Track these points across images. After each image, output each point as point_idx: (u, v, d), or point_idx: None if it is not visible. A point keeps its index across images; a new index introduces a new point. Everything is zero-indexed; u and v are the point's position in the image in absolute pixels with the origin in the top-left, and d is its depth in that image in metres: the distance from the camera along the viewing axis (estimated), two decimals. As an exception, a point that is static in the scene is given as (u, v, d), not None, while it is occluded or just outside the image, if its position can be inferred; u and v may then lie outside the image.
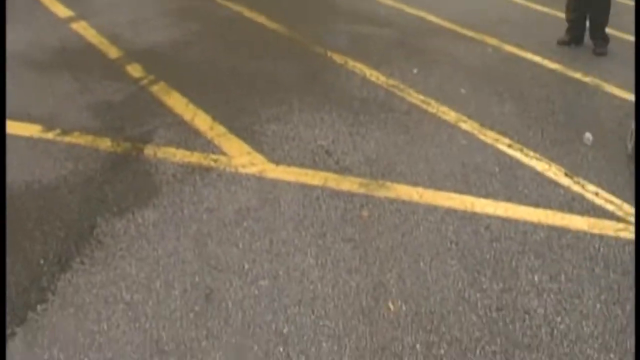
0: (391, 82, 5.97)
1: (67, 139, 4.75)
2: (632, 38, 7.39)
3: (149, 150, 4.65)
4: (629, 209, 4.33)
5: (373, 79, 6.02)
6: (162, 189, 4.22)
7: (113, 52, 6.33)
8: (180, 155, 4.61)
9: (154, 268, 3.56)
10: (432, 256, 3.75)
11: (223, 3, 7.97)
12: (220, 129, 4.98)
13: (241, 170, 4.47)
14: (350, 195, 4.27)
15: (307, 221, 3.98)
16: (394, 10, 8.09)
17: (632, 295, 3.55)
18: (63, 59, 6.16)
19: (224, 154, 4.66)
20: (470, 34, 7.42)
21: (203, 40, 6.80)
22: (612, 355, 3.20)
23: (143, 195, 4.16)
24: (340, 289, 3.48)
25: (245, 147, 4.75)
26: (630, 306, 3.49)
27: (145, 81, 5.72)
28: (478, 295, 3.50)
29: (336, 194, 4.27)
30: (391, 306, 3.39)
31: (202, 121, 5.08)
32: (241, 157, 4.62)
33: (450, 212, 4.17)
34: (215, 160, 4.56)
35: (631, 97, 5.81)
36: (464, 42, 7.14)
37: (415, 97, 5.69)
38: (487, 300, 3.47)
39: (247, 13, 7.62)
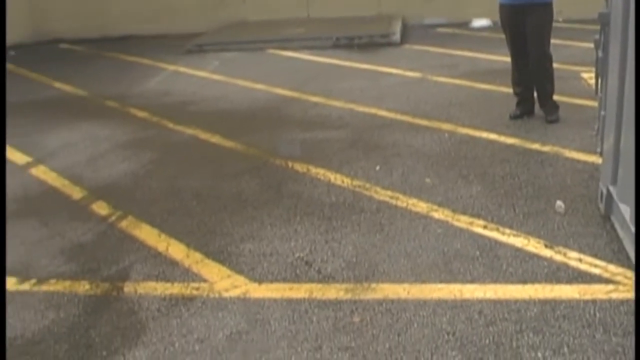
0: (356, 182, 6.01)
1: (44, 287, 4.67)
2: (580, 101, 7.61)
3: (128, 288, 4.58)
4: (615, 269, 4.35)
5: (338, 182, 6.05)
6: (149, 326, 4.13)
7: (76, 193, 6.30)
8: (161, 288, 4.55)
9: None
10: (431, 351, 3.71)
11: (175, 128, 8.02)
12: (197, 255, 4.94)
13: (225, 294, 4.42)
14: (338, 302, 4.24)
15: (300, 336, 3.92)
16: (345, 110, 8.21)
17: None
18: (27, 206, 6.11)
19: (204, 280, 4.61)
20: (423, 122, 7.54)
21: (162, 167, 6.81)
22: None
23: (130, 334, 4.07)
24: (347, 399, 3.42)
25: (225, 271, 4.71)
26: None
27: (113, 218, 5.67)
28: (486, 382, 3.46)
29: (324, 303, 4.24)
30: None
31: (176, 250, 5.04)
32: (222, 282, 4.57)
33: (440, 303, 4.15)
34: (197, 288, 4.50)
35: (591, 158, 5.92)
36: (420, 132, 7.24)
37: (383, 194, 5.72)
38: (495, 386, 3.43)
39: (202, 135, 7.66)
